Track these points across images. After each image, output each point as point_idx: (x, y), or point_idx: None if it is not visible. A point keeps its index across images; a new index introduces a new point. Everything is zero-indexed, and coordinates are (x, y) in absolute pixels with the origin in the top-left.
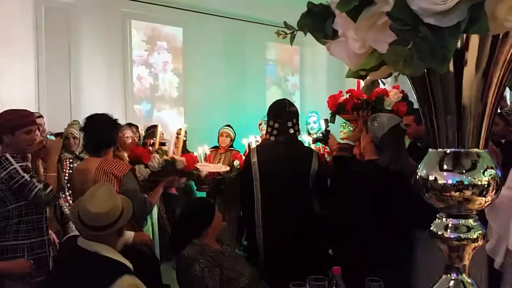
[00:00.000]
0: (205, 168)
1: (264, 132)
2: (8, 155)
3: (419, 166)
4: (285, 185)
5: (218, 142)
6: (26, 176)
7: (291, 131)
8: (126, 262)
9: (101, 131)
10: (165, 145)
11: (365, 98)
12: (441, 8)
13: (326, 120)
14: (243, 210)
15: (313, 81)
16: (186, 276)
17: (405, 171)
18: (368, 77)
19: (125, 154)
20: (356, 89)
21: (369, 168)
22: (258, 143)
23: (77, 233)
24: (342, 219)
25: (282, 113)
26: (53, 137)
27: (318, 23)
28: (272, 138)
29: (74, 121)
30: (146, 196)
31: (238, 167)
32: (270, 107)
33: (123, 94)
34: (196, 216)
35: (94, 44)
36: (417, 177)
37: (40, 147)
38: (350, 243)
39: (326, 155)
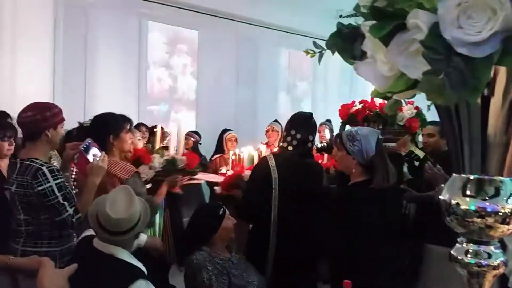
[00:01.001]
0: (204, 177)
1: (272, 138)
2: (45, 169)
3: (443, 189)
4: (303, 198)
5: (225, 147)
6: (60, 198)
7: (309, 145)
8: (141, 266)
9: (94, 133)
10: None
11: (377, 110)
12: (475, 39)
13: (331, 130)
14: (255, 217)
15: (324, 89)
16: (194, 283)
17: (394, 186)
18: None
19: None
20: (369, 100)
21: (361, 192)
22: (271, 151)
23: (91, 232)
24: (338, 241)
25: (306, 126)
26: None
27: (346, 44)
28: (290, 148)
29: (88, 120)
30: (151, 197)
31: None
32: (293, 117)
33: (137, 94)
34: (201, 224)
35: (111, 43)
36: (440, 200)
37: (76, 152)
38: (348, 263)
39: (332, 167)
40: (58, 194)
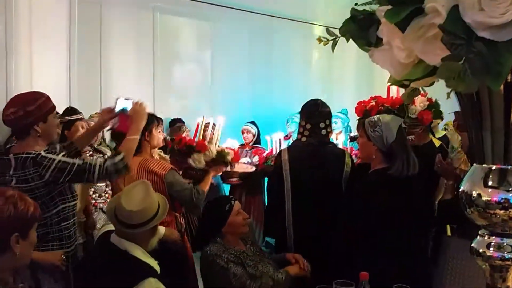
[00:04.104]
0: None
1: (291, 130)
2: (43, 153)
3: (463, 180)
4: (317, 188)
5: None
6: (78, 161)
7: (323, 132)
8: (154, 264)
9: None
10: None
11: (388, 105)
12: (498, 22)
13: None
14: (271, 210)
15: (341, 78)
16: (211, 271)
17: (416, 175)
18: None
19: (156, 151)
20: (386, 95)
21: (381, 180)
22: (289, 143)
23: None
24: (357, 229)
25: (314, 114)
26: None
27: (361, 30)
28: (303, 139)
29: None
30: (197, 185)
31: (257, 162)
32: (302, 108)
33: (152, 87)
34: (209, 218)
35: (125, 36)
36: (460, 191)
37: (113, 116)
38: (369, 252)
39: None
40: (72, 160)
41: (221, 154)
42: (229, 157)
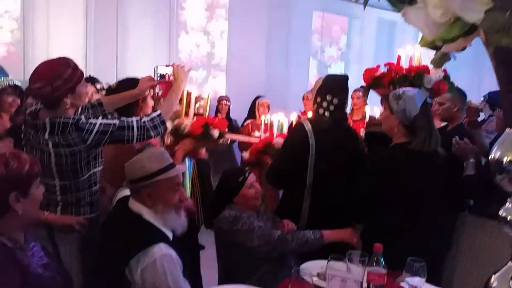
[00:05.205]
0: (233, 136)
1: (310, 105)
2: (83, 118)
3: (494, 146)
4: (340, 165)
5: (257, 112)
6: (116, 121)
7: (346, 109)
8: (167, 232)
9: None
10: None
11: (404, 73)
12: None
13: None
14: (286, 183)
15: (359, 53)
16: (233, 228)
17: (437, 150)
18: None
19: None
20: (396, 63)
21: (401, 154)
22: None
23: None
24: (372, 202)
25: (343, 90)
26: None
27: None
28: (327, 114)
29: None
30: None
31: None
32: (328, 81)
33: (167, 57)
34: (222, 188)
35: (142, 5)
36: (490, 157)
37: (154, 84)
38: (382, 227)
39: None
40: (112, 121)
41: (176, 128)
42: (184, 130)
